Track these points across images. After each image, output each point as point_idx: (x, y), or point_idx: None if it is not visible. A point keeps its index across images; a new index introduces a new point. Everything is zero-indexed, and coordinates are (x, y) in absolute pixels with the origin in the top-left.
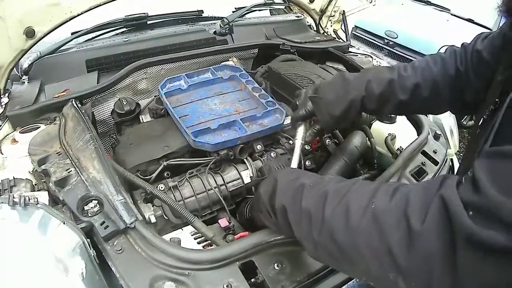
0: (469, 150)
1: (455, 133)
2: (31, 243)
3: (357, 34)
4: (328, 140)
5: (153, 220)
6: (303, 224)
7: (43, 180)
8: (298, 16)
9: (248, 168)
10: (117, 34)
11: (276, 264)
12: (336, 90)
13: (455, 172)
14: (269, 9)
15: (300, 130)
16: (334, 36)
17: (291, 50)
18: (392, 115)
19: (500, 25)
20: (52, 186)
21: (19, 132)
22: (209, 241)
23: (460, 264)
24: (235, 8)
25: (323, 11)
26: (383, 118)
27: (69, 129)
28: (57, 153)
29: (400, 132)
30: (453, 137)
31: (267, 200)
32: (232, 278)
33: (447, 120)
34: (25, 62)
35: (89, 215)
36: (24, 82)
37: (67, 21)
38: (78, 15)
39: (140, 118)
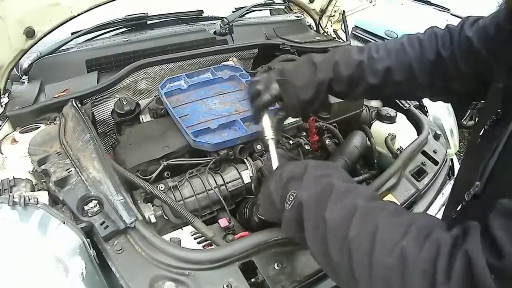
0: (471, 160)
1: (455, 133)
2: (31, 243)
3: (357, 34)
4: (328, 140)
5: (153, 220)
6: (319, 232)
7: (43, 180)
8: (298, 16)
9: (248, 168)
10: (117, 34)
11: (276, 264)
12: (304, 72)
13: (454, 177)
14: (269, 9)
15: (266, 122)
16: (334, 36)
17: (291, 50)
18: (392, 115)
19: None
20: (52, 186)
21: (19, 132)
22: (209, 241)
23: None
24: (235, 8)
25: (323, 11)
26: (383, 118)
27: (69, 129)
28: (57, 153)
29: (400, 132)
30: (453, 137)
31: (280, 187)
32: (232, 278)
33: (447, 120)
34: (25, 62)
35: (89, 215)
36: (24, 82)
37: (67, 21)
38: (78, 15)
39: (140, 118)
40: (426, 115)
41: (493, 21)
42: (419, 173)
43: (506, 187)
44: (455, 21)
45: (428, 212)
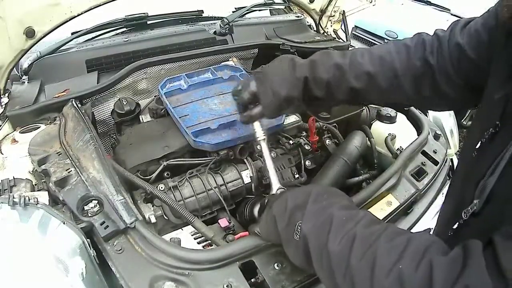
0: (466, 176)
1: (455, 133)
2: (31, 243)
3: (357, 34)
4: (328, 140)
5: (153, 220)
6: (325, 262)
7: (43, 180)
8: (298, 16)
9: (248, 168)
10: (117, 34)
11: (276, 264)
12: (282, 69)
13: (445, 193)
14: (269, 9)
15: (256, 123)
16: (334, 36)
17: (291, 50)
18: (391, 115)
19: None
20: (52, 186)
21: (19, 132)
22: (209, 241)
23: None
24: (235, 8)
25: (323, 11)
26: (383, 118)
27: (69, 129)
28: (57, 153)
29: (400, 132)
30: (453, 137)
31: (285, 213)
32: (232, 278)
33: (447, 120)
34: (25, 62)
35: (89, 215)
36: (24, 82)
37: (67, 21)
38: (78, 15)
39: (140, 118)
40: (426, 115)
41: (485, 26)
42: (419, 173)
43: (509, 206)
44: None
45: (428, 212)
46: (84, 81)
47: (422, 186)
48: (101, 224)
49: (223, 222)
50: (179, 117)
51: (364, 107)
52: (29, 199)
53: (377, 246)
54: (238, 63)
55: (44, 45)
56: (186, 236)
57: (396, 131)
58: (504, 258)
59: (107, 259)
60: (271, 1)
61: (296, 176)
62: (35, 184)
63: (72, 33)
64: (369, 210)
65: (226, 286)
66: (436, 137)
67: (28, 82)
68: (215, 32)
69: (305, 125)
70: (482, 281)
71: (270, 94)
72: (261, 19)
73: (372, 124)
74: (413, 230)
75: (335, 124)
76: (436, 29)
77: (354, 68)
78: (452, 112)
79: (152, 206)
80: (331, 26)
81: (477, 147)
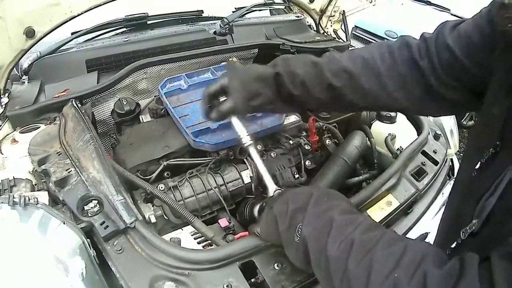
0: (464, 195)
1: (455, 133)
2: (31, 243)
3: (357, 34)
4: (328, 140)
5: (153, 220)
6: (323, 266)
7: (43, 180)
8: (298, 16)
9: (248, 168)
10: (117, 34)
11: (276, 264)
12: (255, 66)
13: (443, 211)
14: (269, 9)
15: (238, 127)
16: (334, 36)
17: (291, 50)
18: (391, 115)
19: None
20: (52, 186)
21: (19, 132)
22: (209, 241)
23: None
24: (235, 8)
25: (323, 11)
26: (383, 118)
27: (69, 129)
28: (57, 153)
29: (400, 132)
30: (453, 137)
31: (286, 214)
32: (232, 278)
33: (447, 120)
34: (25, 62)
35: (89, 215)
36: (24, 82)
37: (67, 21)
38: (78, 15)
39: (140, 118)
40: (426, 115)
41: (478, 29)
42: (419, 173)
43: (508, 226)
44: None
45: (428, 212)
46: (84, 81)
47: (422, 186)
48: (101, 224)
49: (223, 222)
50: (179, 117)
51: None
52: (29, 199)
53: (374, 252)
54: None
55: (44, 45)
56: (186, 236)
57: (396, 131)
58: (498, 277)
59: (107, 259)
60: (271, 1)
61: (296, 176)
62: (35, 184)
63: (72, 33)
64: (369, 210)
65: (226, 286)
66: (436, 137)
67: (28, 82)
68: (215, 32)
69: (305, 125)
70: None
71: (239, 86)
72: (261, 19)
73: (372, 124)
74: (413, 230)
75: (335, 124)
76: (422, 32)
77: (331, 64)
78: None
79: (152, 206)
80: (331, 26)
81: (476, 167)
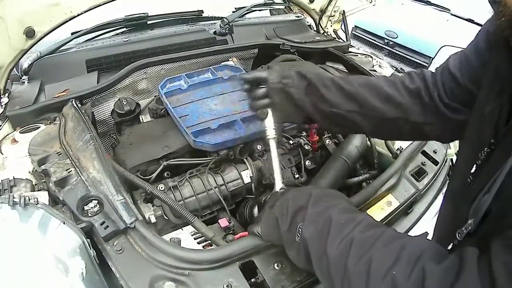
0: (459, 197)
1: None
2: (31, 243)
3: (357, 34)
4: (328, 140)
5: (153, 220)
6: (324, 265)
7: (43, 180)
8: (298, 16)
9: (248, 168)
10: (117, 34)
11: (276, 264)
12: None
13: (437, 214)
14: (269, 9)
15: (269, 121)
16: (334, 36)
17: (291, 50)
18: None
19: None
20: (52, 186)
21: (19, 132)
22: (209, 241)
23: None
24: (235, 8)
25: (323, 11)
26: None
27: (69, 129)
28: (57, 153)
29: None
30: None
31: (286, 215)
32: (232, 278)
33: None
34: (25, 62)
35: (89, 215)
36: (24, 82)
37: (67, 21)
38: (78, 15)
39: (140, 118)
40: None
41: (474, 48)
42: (419, 173)
43: (506, 223)
44: (455, 21)
45: (428, 212)
46: (84, 81)
47: (422, 186)
48: (101, 224)
49: (223, 222)
50: (179, 117)
51: None
52: (29, 199)
53: (373, 250)
54: (238, 63)
55: (44, 45)
56: (186, 236)
57: None
58: (497, 270)
59: (107, 259)
60: (271, 1)
61: (296, 176)
62: (35, 184)
63: (72, 33)
64: (369, 210)
65: (226, 286)
66: None
67: (28, 82)
68: (215, 32)
69: (305, 125)
70: None
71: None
72: (261, 19)
73: None
74: (413, 230)
75: None
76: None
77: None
78: None
79: (152, 206)
80: (331, 26)
81: (472, 171)
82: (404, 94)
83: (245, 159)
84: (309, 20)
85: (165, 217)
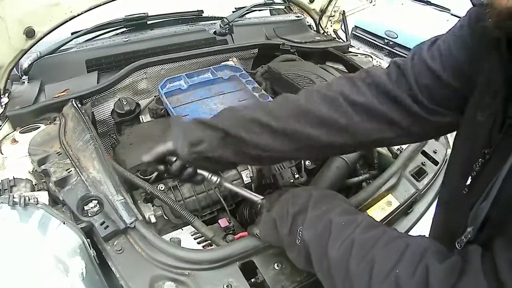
0: (454, 207)
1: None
2: (31, 243)
3: (357, 34)
4: None
5: (153, 220)
6: (325, 268)
7: (43, 180)
8: (298, 16)
9: (248, 168)
10: (117, 34)
11: (276, 264)
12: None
13: (432, 223)
14: (269, 9)
15: (208, 175)
16: (334, 36)
17: (291, 50)
18: None
19: None
20: (52, 186)
21: (19, 132)
22: (209, 241)
23: None
24: (235, 8)
25: (323, 11)
26: None
27: (69, 129)
28: (57, 153)
29: None
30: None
31: (286, 217)
32: (232, 278)
33: None
34: (25, 62)
35: (89, 215)
36: (24, 82)
37: (67, 21)
38: (78, 15)
39: (140, 118)
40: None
41: (459, 41)
42: (419, 173)
43: (507, 227)
44: (455, 21)
45: (428, 212)
46: (84, 81)
47: (422, 186)
48: (101, 224)
49: (223, 222)
50: None
51: None
52: (29, 199)
53: (375, 251)
54: (238, 63)
55: (44, 45)
56: (186, 236)
57: None
58: (502, 267)
59: (107, 259)
60: (271, 1)
61: (296, 176)
62: (35, 184)
63: (72, 33)
64: (369, 210)
65: (226, 286)
66: None
67: (28, 82)
68: (215, 32)
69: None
70: None
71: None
72: (261, 19)
73: None
74: (413, 230)
75: None
76: (392, 60)
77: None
78: None
79: (152, 206)
80: (331, 26)
81: (468, 183)
82: (348, 112)
83: None
84: (309, 20)
85: (165, 217)
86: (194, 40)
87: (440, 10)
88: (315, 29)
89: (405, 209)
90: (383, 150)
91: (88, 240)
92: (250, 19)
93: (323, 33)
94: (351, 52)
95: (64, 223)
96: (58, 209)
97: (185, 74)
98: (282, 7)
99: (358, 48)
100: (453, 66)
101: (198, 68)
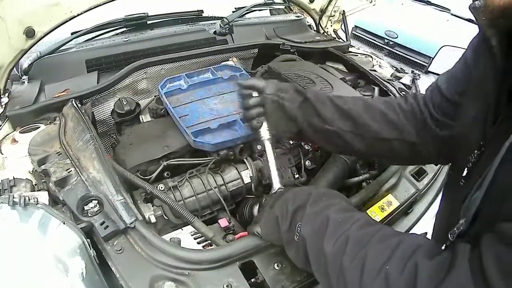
0: (450, 200)
1: None
2: (31, 243)
3: (357, 34)
4: None
5: (153, 220)
6: (321, 264)
7: (43, 180)
8: (298, 16)
9: (248, 168)
10: (117, 34)
11: (276, 264)
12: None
13: (434, 219)
14: (269, 9)
15: (264, 129)
16: (334, 36)
17: (291, 50)
18: None
19: None
20: (52, 186)
21: (19, 132)
22: (209, 241)
23: None
24: (235, 8)
25: (323, 11)
26: None
27: (69, 129)
28: (57, 153)
29: None
30: None
31: (286, 214)
32: (232, 278)
33: None
34: (25, 62)
35: (89, 215)
36: (24, 82)
37: (67, 21)
38: (78, 15)
39: (140, 118)
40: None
41: (463, 62)
42: (419, 173)
43: (496, 220)
44: (455, 21)
45: (428, 212)
46: (84, 81)
47: (422, 186)
48: (101, 224)
49: (223, 222)
50: (179, 117)
51: None
52: (29, 199)
53: (368, 248)
54: (238, 63)
55: (44, 45)
56: (186, 236)
57: None
58: (488, 264)
59: (107, 259)
60: (271, 1)
61: (296, 176)
62: (35, 184)
63: (72, 33)
64: (369, 210)
65: (226, 286)
66: None
67: (28, 82)
68: (215, 32)
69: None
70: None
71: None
72: (261, 19)
73: None
74: (413, 230)
75: None
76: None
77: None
78: None
79: (152, 206)
80: (331, 26)
81: (464, 174)
82: (399, 114)
83: (245, 159)
84: (309, 20)
85: (165, 217)
86: (194, 40)
87: (440, 10)
88: (315, 29)
89: (405, 209)
90: None
91: (88, 240)
92: (250, 19)
93: (323, 33)
94: (351, 52)
95: (64, 223)
96: (58, 209)
97: (185, 74)
98: (282, 7)
99: (358, 48)
100: (454, 84)
101: (198, 68)
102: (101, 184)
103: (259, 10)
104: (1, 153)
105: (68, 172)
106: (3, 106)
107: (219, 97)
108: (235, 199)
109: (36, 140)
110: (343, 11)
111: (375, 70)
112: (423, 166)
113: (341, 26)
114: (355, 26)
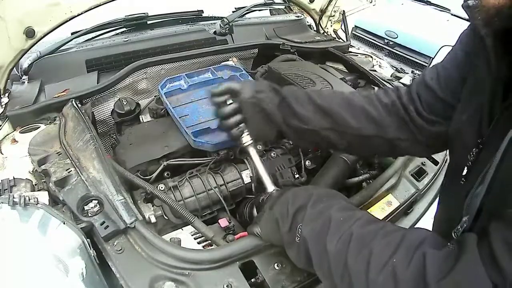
0: (451, 198)
1: None
2: (31, 243)
3: (357, 34)
4: None
5: (153, 220)
6: (325, 264)
7: (43, 180)
8: (298, 16)
9: (248, 168)
10: (117, 34)
11: (276, 264)
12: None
13: (434, 217)
14: (269, 9)
15: (245, 134)
16: (334, 36)
17: (291, 50)
18: None
19: None
20: (52, 186)
21: (19, 132)
22: (209, 241)
23: None
24: (235, 8)
25: (323, 11)
26: None
27: (69, 129)
28: (57, 153)
29: None
30: None
31: (287, 215)
32: (232, 278)
33: None
34: (25, 62)
35: (89, 215)
36: (24, 82)
37: (67, 21)
38: (78, 15)
39: (140, 118)
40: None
41: (454, 60)
42: (419, 173)
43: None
44: (455, 21)
45: (428, 212)
46: (84, 81)
47: (422, 186)
48: (101, 224)
49: (223, 222)
50: (179, 117)
51: None
52: (29, 199)
53: (372, 244)
54: (238, 63)
55: (44, 45)
56: (186, 236)
57: None
58: (497, 247)
59: (107, 259)
60: (271, 1)
61: (296, 176)
62: (35, 184)
63: (72, 33)
64: (369, 210)
65: (226, 286)
66: None
67: (28, 82)
68: (215, 32)
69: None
70: (476, 275)
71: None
72: (261, 19)
73: None
74: None
75: None
76: (396, 87)
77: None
78: None
79: (152, 206)
80: (331, 26)
81: (464, 173)
82: (380, 110)
83: (245, 159)
84: (309, 20)
85: (165, 217)
86: (194, 40)
87: (440, 10)
88: (315, 29)
89: (405, 209)
90: None
91: (88, 240)
92: (250, 19)
93: (323, 33)
94: (351, 52)
95: (64, 223)
96: (58, 209)
97: (185, 74)
98: (282, 7)
99: (358, 48)
100: (449, 85)
101: (198, 68)
102: (101, 184)
103: (259, 10)
104: (1, 153)
105: (68, 172)
106: (3, 106)
107: None
108: (235, 199)
109: (36, 140)
110: (343, 11)
111: (375, 70)
112: (423, 166)
113: (341, 26)
114: (355, 26)
